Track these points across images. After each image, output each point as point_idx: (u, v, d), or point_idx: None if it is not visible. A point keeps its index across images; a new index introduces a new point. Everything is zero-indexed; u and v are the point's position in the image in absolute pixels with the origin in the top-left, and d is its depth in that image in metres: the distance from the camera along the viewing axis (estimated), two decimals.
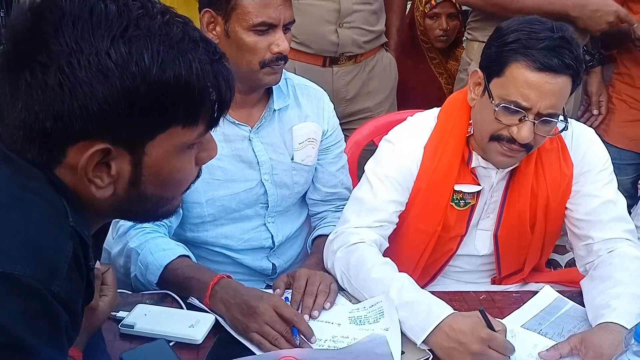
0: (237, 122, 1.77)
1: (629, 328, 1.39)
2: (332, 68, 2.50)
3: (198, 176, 1.06)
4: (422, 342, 1.43)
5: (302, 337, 1.44)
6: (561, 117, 1.61)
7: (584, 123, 2.56)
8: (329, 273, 1.69)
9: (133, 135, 0.91)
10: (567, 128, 1.63)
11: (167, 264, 1.60)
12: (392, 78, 2.76)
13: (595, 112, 2.63)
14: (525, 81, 1.53)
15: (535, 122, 1.56)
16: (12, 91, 0.89)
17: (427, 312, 1.45)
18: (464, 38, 2.88)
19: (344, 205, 1.87)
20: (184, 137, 0.95)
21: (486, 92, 1.62)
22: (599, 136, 1.82)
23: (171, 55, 0.90)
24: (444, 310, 1.45)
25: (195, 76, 0.92)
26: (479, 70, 1.66)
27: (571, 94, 1.60)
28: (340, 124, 2.01)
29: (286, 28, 1.68)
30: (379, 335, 1.43)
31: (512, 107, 1.56)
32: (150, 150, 0.93)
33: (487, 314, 1.41)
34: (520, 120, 1.57)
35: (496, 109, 1.58)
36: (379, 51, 2.66)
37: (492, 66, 1.61)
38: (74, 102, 0.87)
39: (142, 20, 0.90)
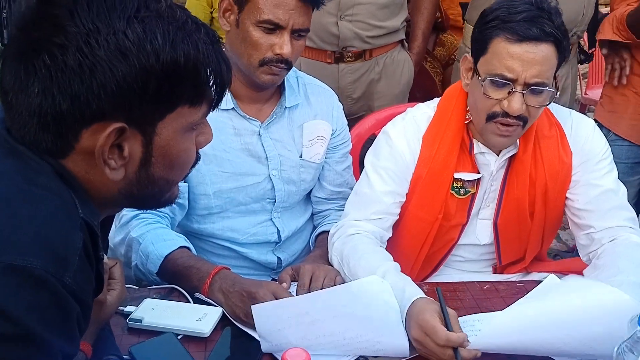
0: (247, 116, 1.79)
1: None
2: (339, 65, 2.45)
3: (197, 160, 1.09)
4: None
5: None
6: (552, 88, 1.62)
7: (611, 82, 2.52)
8: (332, 266, 1.70)
9: (145, 115, 0.94)
10: (555, 97, 1.65)
11: (168, 254, 1.62)
12: (404, 80, 2.61)
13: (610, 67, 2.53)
14: (508, 53, 1.57)
15: (524, 92, 1.58)
16: (27, 77, 0.91)
17: (401, 296, 1.45)
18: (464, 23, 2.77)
19: None
20: (190, 117, 0.99)
21: (475, 73, 1.65)
22: (610, 130, 1.80)
23: (180, 36, 0.94)
24: (414, 294, 1.44)
25: (202, 55, 0.96)
26: (468, 55, 1.70)
27: (560, 63, 1.63)
28: None
29: (299, 35, 1.68)
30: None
31: (498, 79, 1.59)
32: (160, 130, 0.97)
33: (441, 294, 1.40)
34: (509, 93, 1.59)
35: (483, 83, 1.61)
36: (394, 48, 2.54)
37: (477, 46, 1.64)
38: (94, 81, 0.89)
39: (150, 3, 0.94)
